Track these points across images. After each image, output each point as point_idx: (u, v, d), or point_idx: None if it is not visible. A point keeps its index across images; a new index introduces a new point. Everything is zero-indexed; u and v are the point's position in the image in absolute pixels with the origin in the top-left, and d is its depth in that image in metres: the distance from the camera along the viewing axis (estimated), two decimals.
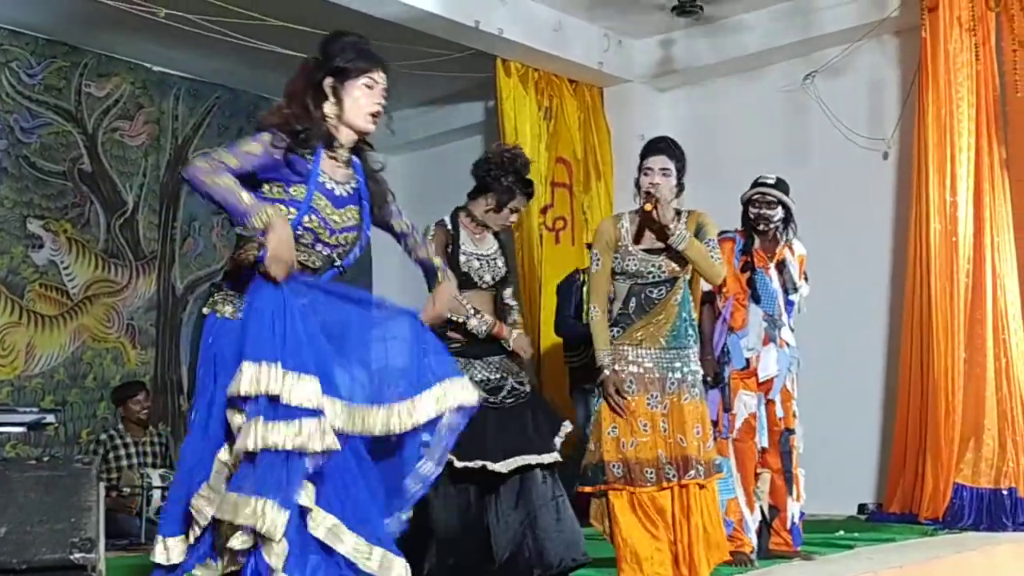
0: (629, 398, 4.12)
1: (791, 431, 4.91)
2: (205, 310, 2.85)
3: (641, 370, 4.14)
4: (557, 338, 7.72)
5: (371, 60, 2.99)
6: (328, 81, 2.93)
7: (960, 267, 6.20)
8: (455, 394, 2.88)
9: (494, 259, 4.34)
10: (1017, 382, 6.11)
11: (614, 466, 4.09)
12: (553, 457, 4.15)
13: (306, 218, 2.86)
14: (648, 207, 4.12)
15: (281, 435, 2.57)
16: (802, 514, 5.00)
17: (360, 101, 2.95)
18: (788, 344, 4.93)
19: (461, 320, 4.16)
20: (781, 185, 4.97)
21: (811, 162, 7.37)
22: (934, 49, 6.33)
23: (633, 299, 4.19)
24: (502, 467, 4.06)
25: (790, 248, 5.03)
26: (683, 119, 8.05)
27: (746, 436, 4.79)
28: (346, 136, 2.98)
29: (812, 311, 6.48)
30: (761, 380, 4.84)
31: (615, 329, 4.22)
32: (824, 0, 7.17)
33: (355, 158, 3.05)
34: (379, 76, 2.99)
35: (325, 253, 2.94)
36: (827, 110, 7.39)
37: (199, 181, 2.69)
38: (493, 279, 4.31)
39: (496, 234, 4.41)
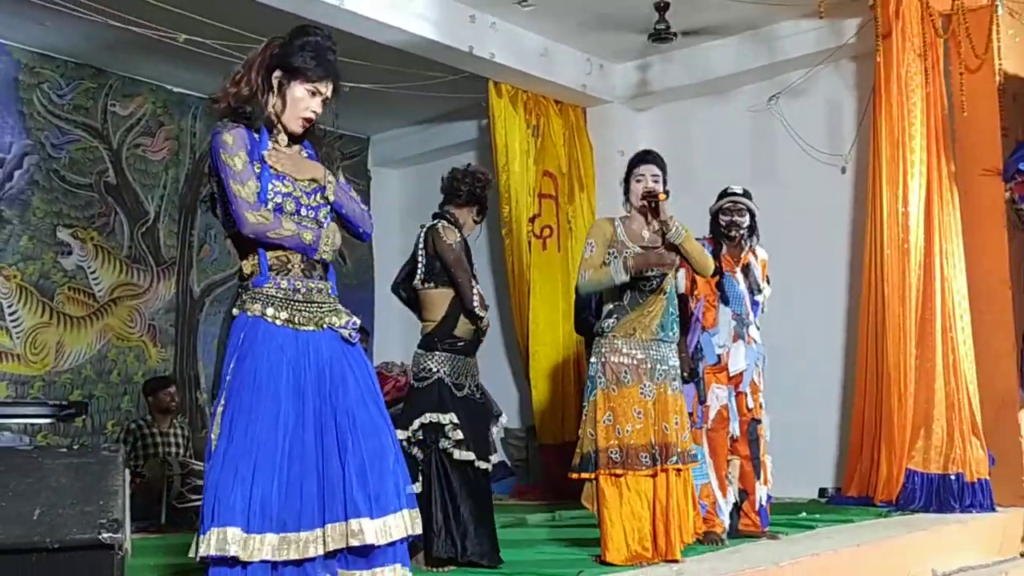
0: (625, 387, 4.14)
1: (758, 421, 4.93)
2: (235, 311, 2.79)
3: (634, 362, 4.17)
4: (546, 337, 7.75)
5: (324, 69, 2.83)
6: (277, 74, 2.82)
7: (911, 271, 6.22)
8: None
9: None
10: (964, 376, 6.13)
11: (611, 452, 4.10)
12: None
13: (271, 185, 2.75)
14: (662, 196, 4.17)
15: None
16: (769, 497, 5.01)
17: (299, 104, 2.82)
18: (755, 341, 4.96)
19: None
20: (747, 194, 5.04)
21: (775, 176, 7.41)
22: (887, 73, 6.35)
23: (628, 293, 4.22)
24: (489, 466, 4.20)
25: (753, 253, 5.08)
26: (659, 136, 8.06)
27: (719, 426, 4.81)
28: (280, 129, 2.86)
29: (777, 311, 6.51)
30: (732, 374, 4.87)
31: (610, 320, 4.23)
32: (787, 28, 7.20)
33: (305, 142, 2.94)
34: (325, 87, 2.84)
35: (311, 217, 2.83)
36: (790, 129, 7.42)
37: (268, 238, 2.71)
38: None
39: None
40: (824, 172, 7.27)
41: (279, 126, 2.86)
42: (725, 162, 7.54)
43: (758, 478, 4.90)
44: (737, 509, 4.91)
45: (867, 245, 6.57)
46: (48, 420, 6.16)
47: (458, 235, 4.27)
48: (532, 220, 7.84)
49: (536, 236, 7.86)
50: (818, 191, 7.25)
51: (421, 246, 4.27)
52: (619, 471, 4.08)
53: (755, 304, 5.05)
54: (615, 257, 4.19)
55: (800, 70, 7.32)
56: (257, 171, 2.75)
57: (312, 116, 2.85)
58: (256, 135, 2.79)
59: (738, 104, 7.73)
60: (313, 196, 2.84)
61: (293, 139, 2.90)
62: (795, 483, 6.78)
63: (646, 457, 4.08)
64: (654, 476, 4.10)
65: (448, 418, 4.08)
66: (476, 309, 4.17)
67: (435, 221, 4.33)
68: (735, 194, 5.00)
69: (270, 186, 2.76)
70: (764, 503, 4.94)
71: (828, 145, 7.28)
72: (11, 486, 2.29)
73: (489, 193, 4.44)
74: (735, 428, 4.84)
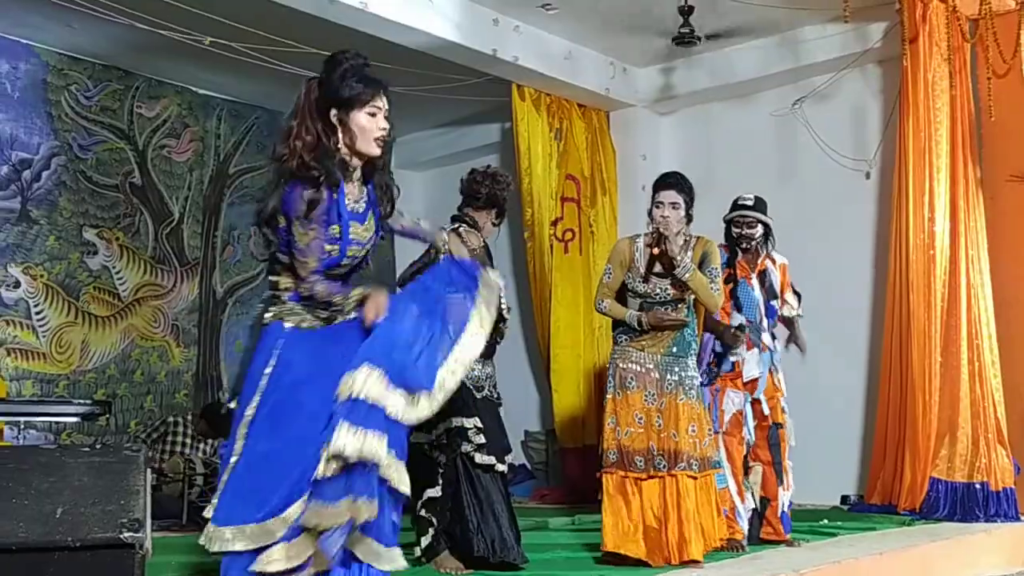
0: (629, 392, 4.25)
1: (779, 425, 4.90)
2: (268, 317, 2.87)
3: (643, 370, 4.28)
4: (567, 340, 7.73)
5: (373, 86, 2.87)
6: (334, 113, 2.85)
7: (937, 278, 6.17)
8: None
9: None
10: (989, 384, 6.07)
11: (610, 452, 4.26)
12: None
13: (349, 249, 2.86)
14: (655, 251, 4.28)
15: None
16: (790, 503, 4.98)
17: (366, 130, 2.86)
18: (769, 348, 4.96)
19: None
20: (759, 204, 5.03)
21: (799, 181, 7.36)
22: (914, 77, 6.30)
23: (643, 313, 4.32)
24: (505, 467, 4.21)
25: (771, 259, 5.06)
26: (682, 141, 8.04)
27: (734, 430, 4.82)
28: (356, 161, 2.92)
29: (801, 318, 6.45)
30: (745, 381, 4.88)
31: (624, 337, 4.37)
32: (812, 32, 7.15)
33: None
34: (381, 101, 2.89)
35: (354, 263, 2.94)
36: (814, 133, 7.37)
37: (328, 300, 2.82)
38: None
39: None
40: (848, 177, 7.21)
41: (351, 164, 2.90)
42: (748, 166, 7.51)
43: (780, 484, 4.87)
44: (759, 516, 4.88)
45: (892, 251, 6.51)
46: (74, 419, 6.22)
47: (480, 239, 4.25)
48: (554, 224, 7.83)
49: (558, 240, 7.84)
50: (842, 196, 7.20)
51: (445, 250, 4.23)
52: (612, 471, 4.23)
53: (771, 310, 5.04)
54: (631, 292, 4.34)
55: (825, 74, 7.27)
56: (335, 233, 2.82)
57: (383, 134, 2.89)
58: (332, 189, 2.82)
59: (762, 108, 7.68)
60: (367, 244, 2.95)
61: (364, 168, 2.94)
62: (817, 490, 6.72)
63: (641, 461, 4.21)
64: (650, 479, 4.20)
65: (472, 422, 4.08)
66: (504, 311, 4.17)
67: (455, 224, 4.30)
68: (744, 206, 5.01)
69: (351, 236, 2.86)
70: (786, 509, 4.91)
71: (853, 150, 7.22)
72: (34, 484, 2.31)
73: (508, 195, 4.41)
74: (750, 434, 4.85)
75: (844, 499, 6.90)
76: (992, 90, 6.14)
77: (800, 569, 4.06)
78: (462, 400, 4.09)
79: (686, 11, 6.61)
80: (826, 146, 7.30)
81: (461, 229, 4.24)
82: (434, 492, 4.10)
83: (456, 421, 4.08)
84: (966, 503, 5.89)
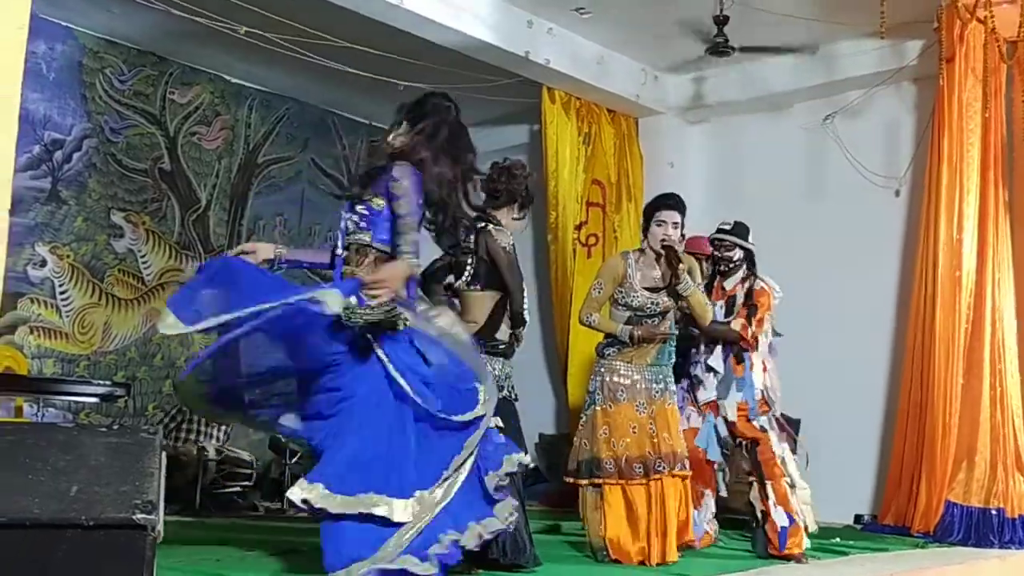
0: (620, 405, 4.47)
1: (756, 442, 4.92)
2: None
3: (630, 382, 4.50)
4: (586, 347, 7.68)
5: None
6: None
7: (962, 300, 6.11)
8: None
9: None
10: (1010, 409, 6.01)
11: (607, 463, 4.43)
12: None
13: None
14: (664, 266, 4.53)
15: None
16: (791, 519, 4.86)
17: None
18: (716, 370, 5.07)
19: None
20: (738, 229, 5.14)
21: (828, 196, 7.32)
22: (949, 97, 6.24)
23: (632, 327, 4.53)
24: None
25: (750, 285, 5.10)
26: (710, 150, 8.01)
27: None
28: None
29: (822, 332, 6.41)
30: (701, 403, 5.03)
31: (611, 349, 4.57)
32: (847, 47, 7.10)
33: None
34: None
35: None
36: (845, 149, 7.32)
37: None
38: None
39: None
40: (878, 194, 7.16)
41: None
42: (777, 179, 7.47)
43: (766, 499, 4.83)
44: (763, 530, 4.86)
45: (918, 270, 6.46)
46: (94, 399, 6.27)
47: (510, 237, 4.23)
48: (578, 228, 7.82)
49: (582, 244, 7.83)
50: (871, 213, 7.14)
51: (471, 247, 4.22)
52: (612, 481, 4.41)
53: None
54: (623, 306, 4.52)
55: (858, 90, 7.22)
56: None
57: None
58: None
59: (792, 121, 7.64)
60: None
61: None
62: (831, 508, 6.67)
63: (639, 468, 4.40)
64: (647, 485, 4.40)
65: (495, 421, 4.06)
66: (524, 312, 4.17)
67: (484, 224, 4.25)
68: (722, 230, 5.15)
69: None
70: (787, 525, 4.84)
71: (883, 167, 7.17)
72: (50, 461, 2.32)
73: (531, 184, 4.36)
74: (717, 455, 5.01)
75: (857, 518, 6.84)
76: None
77: None
78: None
79: (721, 21, 6.58)
80: (856, 162, 7.25)
81: (491, 228, 4.22)
82: None
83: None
84: (981, 528, 5.83)
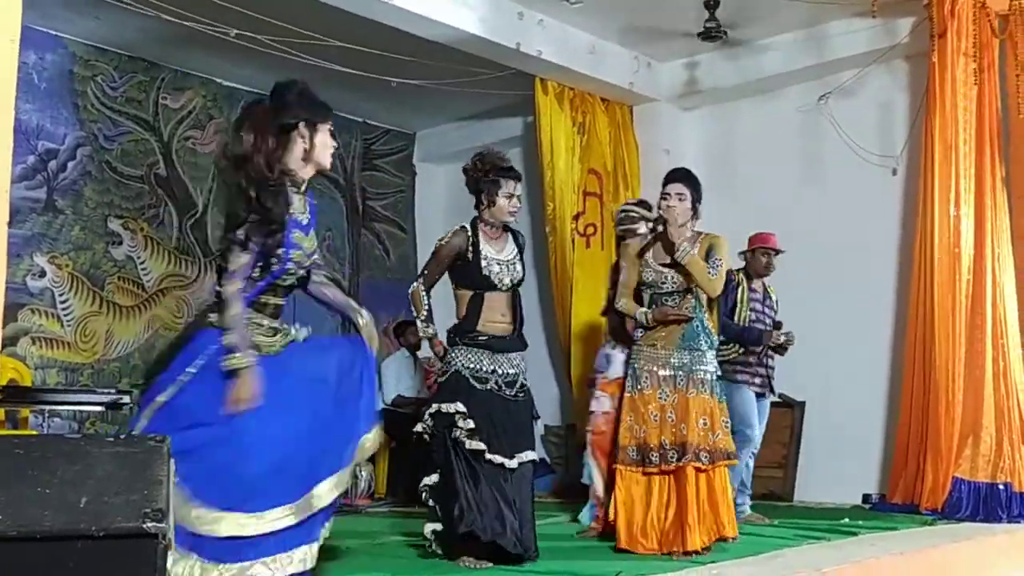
0: (645, 391, 4.49)
1: None
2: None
3: (655, 367, 4.50)
4: (588, 337, 7.70)
5: (328, 109, 3.20)
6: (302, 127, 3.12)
7: (962, 276, 6.11)
8: None
9: (513, 263, 4.27)
10: (1014, 383, 6.01)
11: (630, 450, 4.48)
12: (537, 455, 4.34)
13: (292, 253, 3.07)
14: (658, 233, 4.59)
15: None
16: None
17: (327, 145, 3.16)
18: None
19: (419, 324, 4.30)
20: (641, 205, 5.35)
21: (825, 177, 7.31)
22: (942, 73, 6.23)
23: (653, 306, 4.58)
24: (515, 463, 4.14)
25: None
26: (706, 136, 8.00)
27: (603, 429, 5.07)
28: (308, 173, 3.18)
29: (824, 313, 6.40)
30: (610, 380, 5.13)
31: (639, 331, 4.62)
32: (838, 27, 7.09)
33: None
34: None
35: (301, 275, 3.20)
36: (840, 129, 7.31)
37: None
38: (512, 282, 4.25)
39: (516, 239, 4.36)
40: (874, 174, 7.15)
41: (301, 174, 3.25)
42: (773, 162, 7.46)
43: None
44: None
45: (917, 248, 6.46)
46: (99, 408, 6.27)
47: (461, 240, 4.18)
48: (576, 218, 7.82)
49: (580, 234, 7.83)
50: (868, 193, 7.13)
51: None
52: (634, 468, 4.45)
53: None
54: (644, 284, 4.62)
55: (851, 70, 7.20)
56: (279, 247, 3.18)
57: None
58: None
59: (787, 104, 7.63)
60: (312, 257, 3.28)
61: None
62: (838, 488, 6.69)
63: (655, 456, 4.41)
64: (665, 473, 4.40)
65: (455, 407, 4.05)
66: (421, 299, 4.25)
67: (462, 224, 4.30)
68: (626, 206, 5.41)
69: None
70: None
71: (879, 147, 7.16)
72: (59, 473, 2.32)
73: (495, 160, 4.26)
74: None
75: (866, 498, 6.85)
76: (1020, 87, 6.08)
77: (821, 567, 4.04)
78: (454, 387, 4.09)
79: (712, 5, 6.57)
80: (852, 142, 7.24)
81: (459, 227, 4.27)
82: (430, 479, 4.11)
83: (437, 406, 4.08)
84: (989, 503, 5.84)
